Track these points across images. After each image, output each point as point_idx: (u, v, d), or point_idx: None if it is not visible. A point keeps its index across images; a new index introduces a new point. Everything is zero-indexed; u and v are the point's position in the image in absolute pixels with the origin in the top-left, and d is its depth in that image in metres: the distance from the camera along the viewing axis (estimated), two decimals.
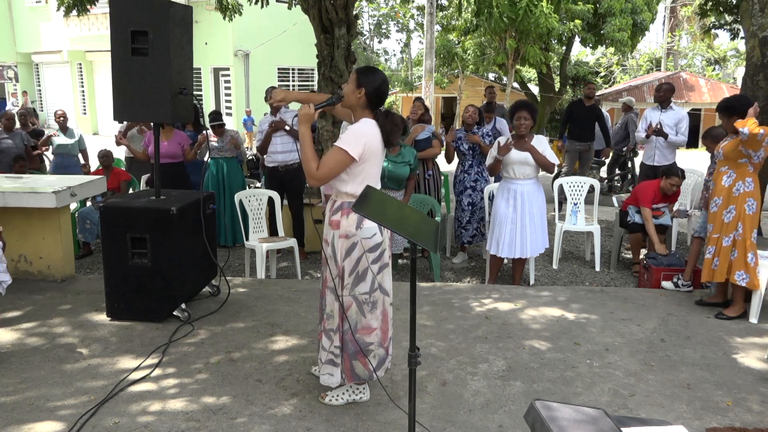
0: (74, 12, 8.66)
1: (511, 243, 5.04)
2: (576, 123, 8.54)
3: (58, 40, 22.36)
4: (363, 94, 2.87)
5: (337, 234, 2.91)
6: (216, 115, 6.76)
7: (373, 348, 3.00)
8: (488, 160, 5.21)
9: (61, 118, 7.70)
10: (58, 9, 8.67)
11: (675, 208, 6.00)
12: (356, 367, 3.00)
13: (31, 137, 7.78)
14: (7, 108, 19.75)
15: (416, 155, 5.49)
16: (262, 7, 8.94)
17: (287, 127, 6.00)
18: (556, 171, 9.74)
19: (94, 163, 7.31)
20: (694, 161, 12.38)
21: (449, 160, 6.33)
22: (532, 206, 5.01)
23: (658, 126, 6.57)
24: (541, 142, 5.00)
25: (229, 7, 9.46)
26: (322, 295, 3.09)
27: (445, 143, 6.25)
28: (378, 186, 2.97)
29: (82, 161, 7.99)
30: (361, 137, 2.83)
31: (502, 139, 5.08)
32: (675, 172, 5.67)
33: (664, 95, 6.74)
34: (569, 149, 8.73)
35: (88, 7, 8.61)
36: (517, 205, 5.00)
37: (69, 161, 7.70)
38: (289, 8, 8.83)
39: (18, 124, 8.30)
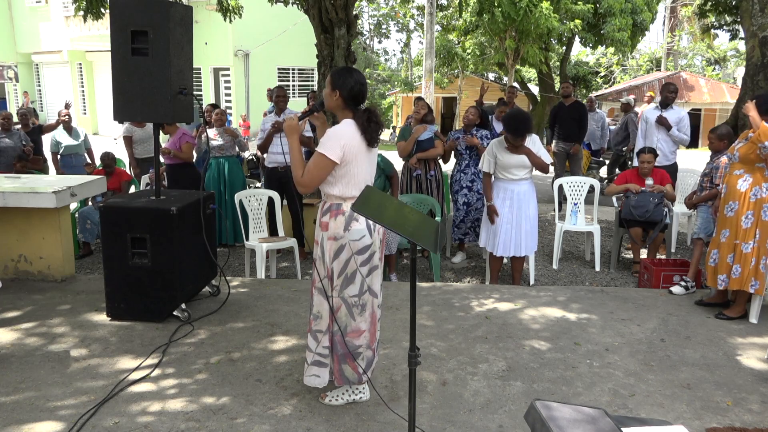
0: (88, 17, 8.67)
1: (506, 242, 5.10)
2: (560, 124, 8.60)
3: (58, 40, 22.38)
4: (338, 96, 2.90)
5: (325, 236, 2.92)
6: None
7: (362, 350, 3.01)
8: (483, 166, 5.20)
9: (66, 119, 7.68)
10: (76, 14, 8.69)
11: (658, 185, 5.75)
12: (345, 371, 3.01)
13: (32, 135, 7.75)
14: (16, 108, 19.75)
15: (382, 161, 5.42)
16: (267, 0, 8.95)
17: None
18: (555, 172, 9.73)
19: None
20: (695, 161, 12.39)
21: (446, 160, 6.33)
22: (528, 206, 5.09)
23: (663, 119, 6.62)
24: (535, 143, 5.02)
25: (230, 8, 9.46)
26: (311, 295, 3.09)
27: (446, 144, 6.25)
28: (371, 184, 2.96)
29: (88, 161, 7.97)
30: (339, 139, 2.83)
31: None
32: (642, 151, 5.90)
33: (673, 96, 6.74)
34: (557, 151, 8.72)
35: (102, 12, 8.61)
36: (514, 204, 5.07)
37: (78, 161, 7.69)
38: (286, 5, 8.83)
39: (20, 124, 8.29)
